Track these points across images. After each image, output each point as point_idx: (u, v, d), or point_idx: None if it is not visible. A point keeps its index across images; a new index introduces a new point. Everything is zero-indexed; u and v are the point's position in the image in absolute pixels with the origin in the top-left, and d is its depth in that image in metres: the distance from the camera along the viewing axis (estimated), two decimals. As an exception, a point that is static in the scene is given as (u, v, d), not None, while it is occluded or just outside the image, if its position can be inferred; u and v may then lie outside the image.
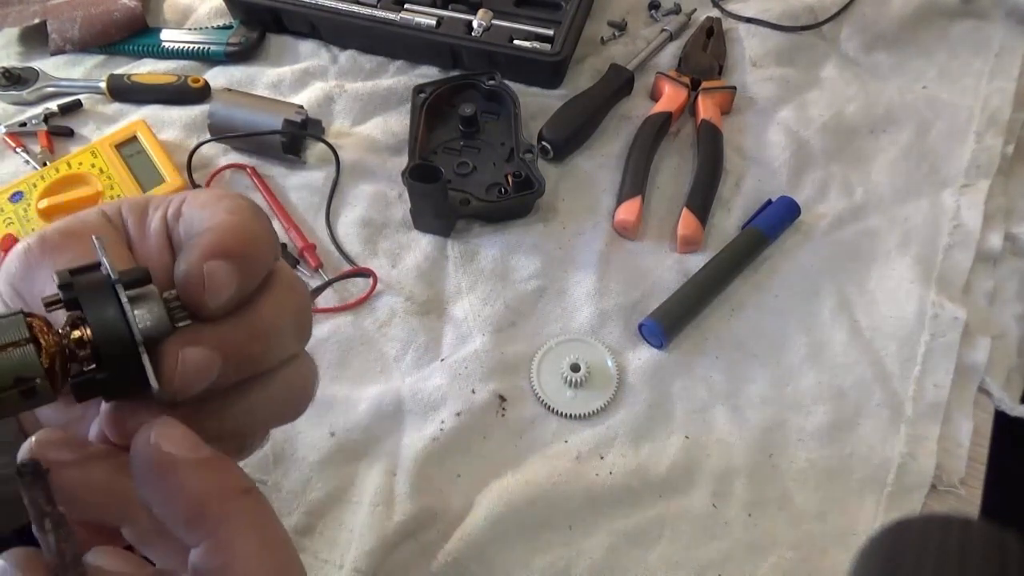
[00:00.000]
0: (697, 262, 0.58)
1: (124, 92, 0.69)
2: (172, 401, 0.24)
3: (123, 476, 0.23)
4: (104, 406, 0.24)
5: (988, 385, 0.53)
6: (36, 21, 0.72)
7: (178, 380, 0.23)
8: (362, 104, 0.68)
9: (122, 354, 0.22)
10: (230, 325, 0.25)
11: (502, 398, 0.52)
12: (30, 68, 0.70)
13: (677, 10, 0.74)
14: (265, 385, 0.27)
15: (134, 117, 0.67)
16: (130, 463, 0.22)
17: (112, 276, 0.23)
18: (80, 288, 0.23)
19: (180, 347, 0.23)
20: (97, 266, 0.23)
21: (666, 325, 0.54)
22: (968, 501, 0.49)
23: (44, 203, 0.59)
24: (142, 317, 0.23)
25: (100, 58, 0.73)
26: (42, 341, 0.21)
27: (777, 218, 0.59)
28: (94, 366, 0.23)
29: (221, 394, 0.26)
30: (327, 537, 0.47)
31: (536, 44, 0.67)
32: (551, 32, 0.68)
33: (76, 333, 0.22)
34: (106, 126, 0.68)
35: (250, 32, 0.72)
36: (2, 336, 0.21)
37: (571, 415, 0.51)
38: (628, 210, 0.59)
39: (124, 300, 0.23)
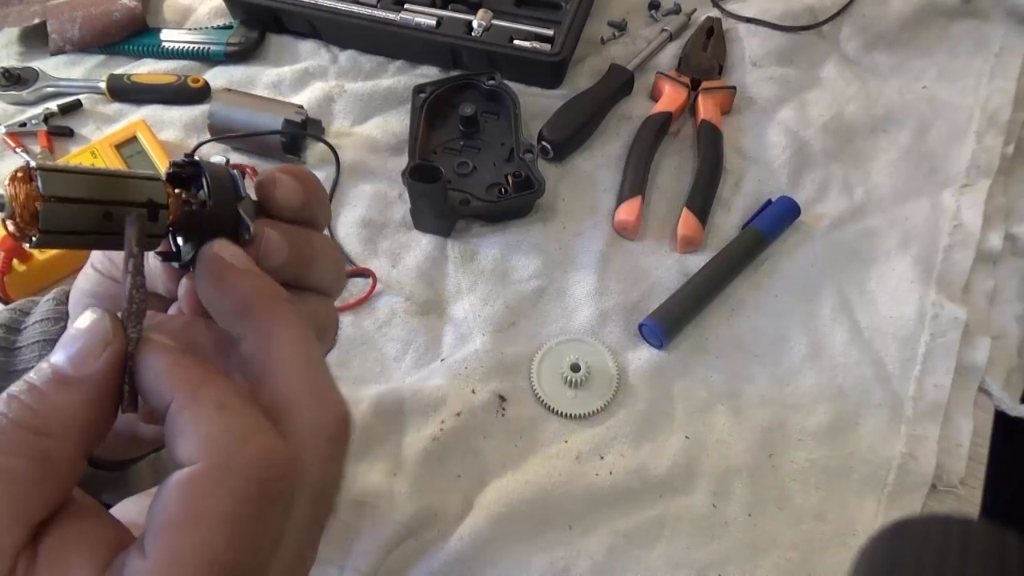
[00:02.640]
0: (697, 262, 0.58)
1: (124, 92, 0.69)
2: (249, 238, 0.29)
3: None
4: (187, 284, 0.29)
5: (988, 385, 0.53)
6: (36, 21, 0.72)
7: (259, 247, 0.29)
8: (362, 104, 0.68)
9: (227, 204, 0.28)
10: (293, 229, 0.30)
11: (502, 398, 0.52)
12: (30, 68, 0.70)
13: (677, 10, 0.74)
14: (305, 299, 0.31)
15: (134, 117, 0.67)
16: (196, 271, 0.27)
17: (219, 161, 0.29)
18: (197, 164, 0.28)
19: (263, 223, 0.29)
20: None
21: (666, 325, 0.54)
22: (968, 501, 0.49)
23: (44, 203, 0.59)
24: (241, 185, 0.29)
25: (100, 58, 0.73)
26: (168, 191, 0.27)
27: (777, 218, 0.59)
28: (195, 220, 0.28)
29: None
30: (327, 537, 0.47)
31: (536, 44, 0.67)
32: (551, 32, 0.68)
33: (186, 197, 0.27)
34: (106, 126, 0.68)
35: (250, 32, 0.72)
36: (145, 175, 0.26)
37: (571, 415, 0.51)
38: (628, 210, 0.59)
39: (235, 172, 0.29)
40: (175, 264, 0.28)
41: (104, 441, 0.25)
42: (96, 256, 0.32)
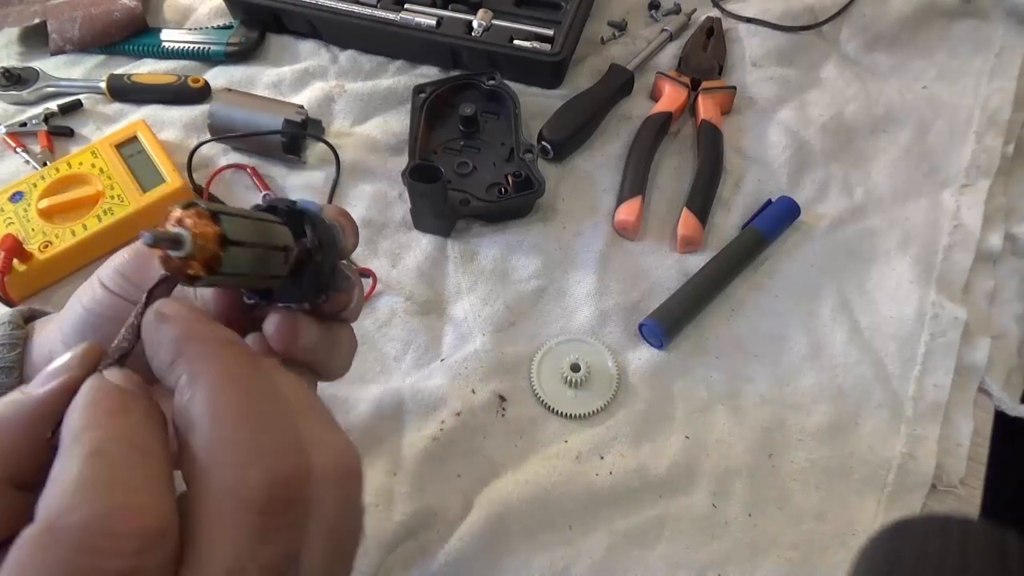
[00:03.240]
0: (697, 262, 0.58)
1: (124, 92, 0.69)
2: (326, 312, 0.30)
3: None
4: (274, 320, 0.28)
5: (988, 385, 0.53)
6: (36, 21, 0.72)
7: (347, 297, 0.30)
8: (362, 104, 0.68)
9: (331, 254, 0.29)
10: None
11: (502, 398, 0.52)
12: (30, 68, 0.70)
13: (677, 10, 0.74)
14: (344, 330, 0.32)
15: (134, 117, 0.67)
16: (143, 330, 0.24)
17: (319, 211, 0.30)
18: (300, 215, 0.29)
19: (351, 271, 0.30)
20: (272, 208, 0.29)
21: (666, 325, 0.54)
22: (968, 501, 0.49)
23: (44, 203, 0.59)
24: (339, 235, 0.30)
25: (100, 58, 0.73)
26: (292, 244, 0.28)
27: (777, 218, 0.59)
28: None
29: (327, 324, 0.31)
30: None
31: (536, 44, 0.67)
32: (551, 32, 0.68)
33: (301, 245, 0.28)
34: (106, 126, 0.68)
35: (250, 32, 0.72)
36: (275, 220, 0.27)
37: (571, 415, 0.51)
38: (628, 210, 0.59)
39: (336, 227, 0.30)
40: (251, 301, 0.29)
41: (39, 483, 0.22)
42: (107, 275, 0.30)
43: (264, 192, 0.30)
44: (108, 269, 0.30)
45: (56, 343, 0.31)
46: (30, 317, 0.36)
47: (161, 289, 0.25)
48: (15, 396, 0.22)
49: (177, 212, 0.23)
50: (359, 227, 0.60)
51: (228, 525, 0.20)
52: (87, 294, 0.31)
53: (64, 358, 0.23)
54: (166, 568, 0.20)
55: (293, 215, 0.29)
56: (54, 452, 0.21)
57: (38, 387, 0.22)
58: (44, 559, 0.18)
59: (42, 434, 0.22)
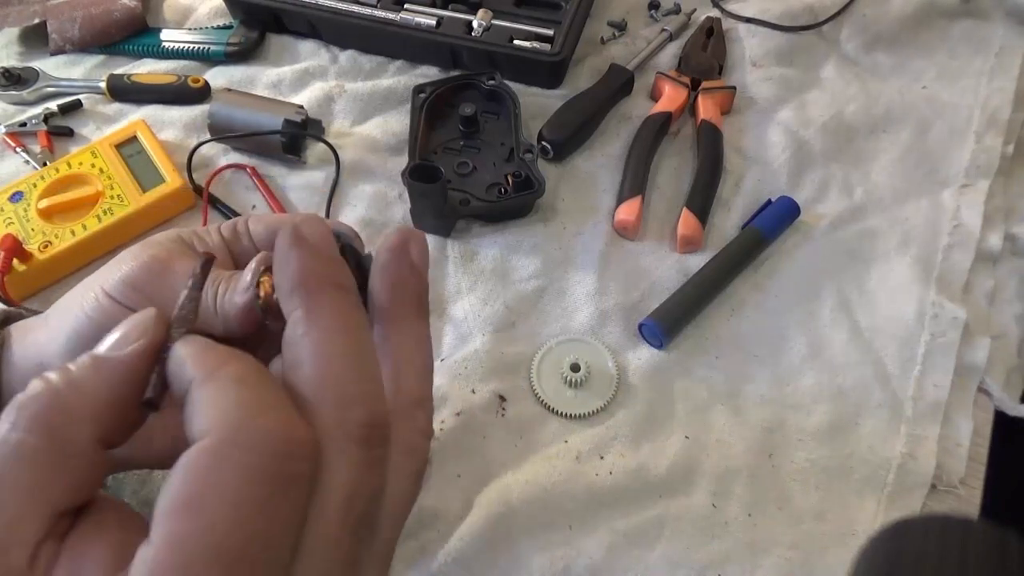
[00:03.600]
0: (697, 262, 0.58)
1: (124, 92, 0.69)
2: None
3: None
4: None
5: (988, 385, 0.53)
6: (36, 21, 0.72)
7: None
8: (362, 104, 0.68)
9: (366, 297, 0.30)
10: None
11: (502, 398, 0.52)
12: (30, 68, 0.70)
13: (677, 10, 0.74)
14: None
15: (134, 117, 0.67)
16: (278, 237, 0.26)
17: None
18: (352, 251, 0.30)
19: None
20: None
21: (666, 325, 0.54)
22: (968, 501, 0.49)
23: (44, 203, 0.59)
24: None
25: (100, 58, 0.73)
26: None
27: (777, 218, 0.59)
28: None
29: None
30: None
31: (536, 44, 0.67)
32: (551, 32, 0.68)
33: None
34: (106, 126, 0.68)
35: (250, 32, 0.72)
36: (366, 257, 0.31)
37: (571, 415, 0.51)
38: (628, 210, 0.59)
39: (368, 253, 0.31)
40: None
41: (125, 442, 0.24)
42: (113, 285, 0.31)
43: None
44: (113, 280, 0.31)
45: (49, 351, 0.31)
46: (5, 320, 0.35)
47: (207, 268, 0.27)
48: (94, 361, 0.24)
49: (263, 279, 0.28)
50: (359, 227, 0.61)
51: (343, 457, 0.23)
52: (89, 303, 0.31)
53: (134, 321, 0.25)
54: (309, 481, 0.22)
55: (345, 249, 0.30)
56: (143, 412, 0.24)
57: (117, 350, 0.24)
58: (233, 468, 0.20)
59: (129, 395, 0.24)
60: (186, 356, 0.23)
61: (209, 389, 0.22)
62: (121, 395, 0.23)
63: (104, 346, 0.24)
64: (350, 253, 0.30)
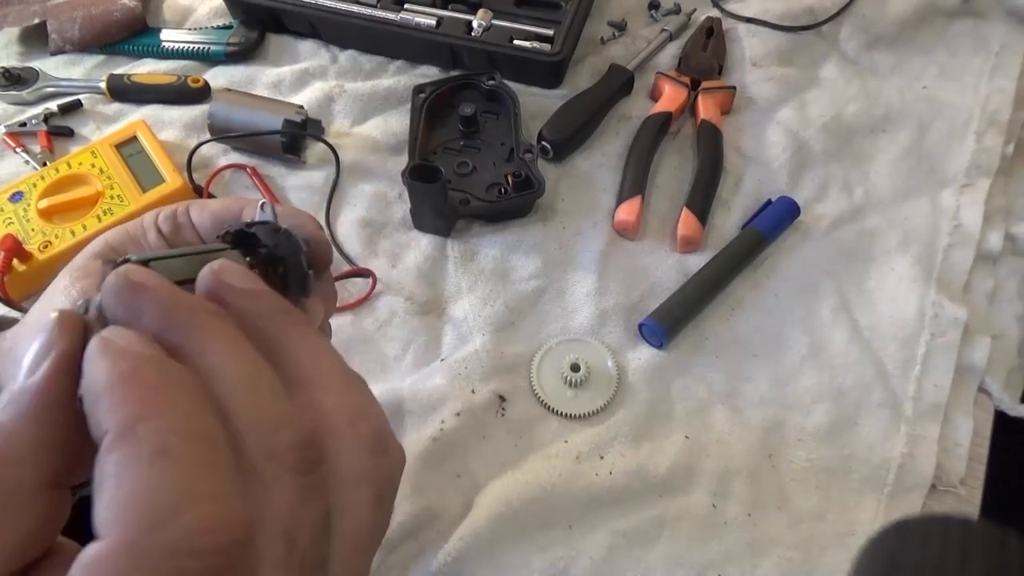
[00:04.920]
0: (697, 262, 0.58)
1: (124, 92, 0.69)
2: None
3: None
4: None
5: (988, 385, 0.53)
6: (36, 21, 0.72)
7: (315, 320, 0.31)
8: (362, 104, 0.68)
9: (297, 288, 0.30)
10: (324, 282, 0.34)
11: (502, 398, 0.52)
12: (30, 68, 0.70)
13: (677, 10, 0.74)
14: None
15: (134, 117, 0.67)
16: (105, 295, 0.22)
17: (292, 231, 0.30)
18: (267, 234, 0.29)
19: (316, 296, 0.31)
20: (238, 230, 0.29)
21: (666, 325, 0.54)
22: (968, 501, 0.49)
23: (44, 203, 0.59)
24: (306, 262, 0.30)
25: (100, 58, 0.73)
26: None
27: (777, 218, 0.59)
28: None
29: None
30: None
31: (536, 44, 0.67)
32: (551, 32, 0.68)
33: (257, 270, 0.28)
34: (106, 126, 0.68)
35: (250, 32, 0.72)
36: (219, 248, 0.28)
37: (571, 415, 0.51)
38: (628, 210, 0.59)
39: (301, 242, 0.30)
40: None
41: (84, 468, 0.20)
42: (64, 300, 0.29)
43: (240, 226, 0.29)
44: (67, 294, 0.30)
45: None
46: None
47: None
48: (10, 396, 0.20)
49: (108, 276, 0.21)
50: (359, 227, 0.61)
51: (278, 489, 0.20)
52: (69, 300, 0.30)
53: (40, 336, 0.20)
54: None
55: (243, 236, 0.29)
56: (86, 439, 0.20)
57: (30, 375, 0.20)
58: None
59: (64, 421, 0.20)
60: (105, 384, 0.19)
61: (118, 461, 0.17)
62: (48, 427, 0.19)
63: (20, 371, 0.20)
64: (262, 236, 0.29)
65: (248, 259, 0.28)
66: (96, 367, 0.19)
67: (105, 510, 0.17)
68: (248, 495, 0.20)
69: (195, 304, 0.22)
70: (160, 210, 0.34)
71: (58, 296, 0.30)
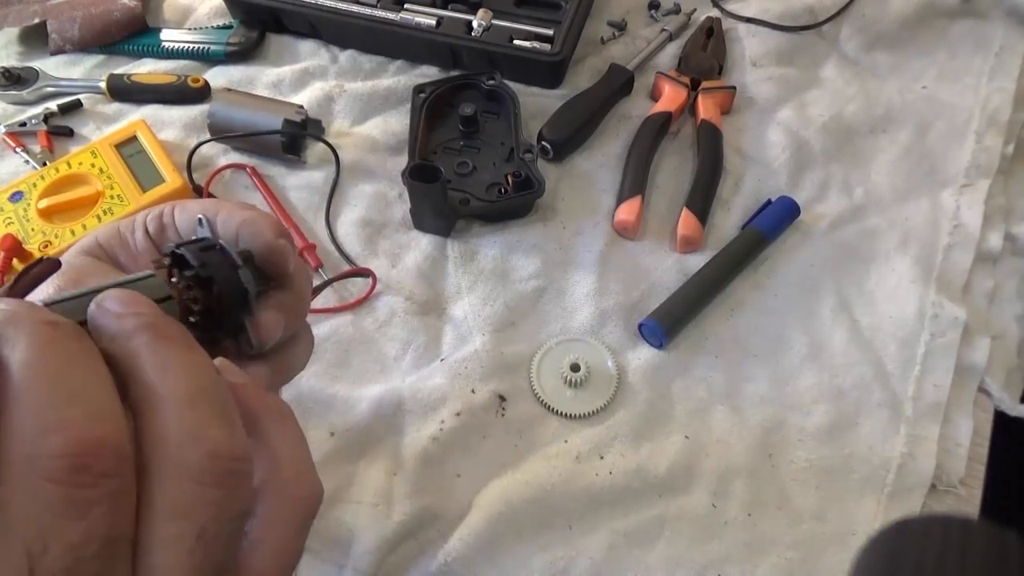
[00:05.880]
0: (697, 262, 0.58)
1: (124, 92, 0.69)
2: (254, 352, 0.31)
3: None
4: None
5: (988, 385, 0.53)
6: (36, 21, 0.72)
7: (266, 336, 0.30)
8: (362, 104, 0.68)
9: (234, 307, 0.29)
10: (286, 291, 0.32)
11: (502, 398, 0.52)
12: (30, 68, 0.70)
13: (677, 10, 0.74)
14: (297, 341, 0.34)
15: (134, 117, 0.67)
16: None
17: (227, 247, 0.29)
18: (195, 253, 0.28)
19: (269, 310, 0.31)
20: (191, 243, 0.29)
21: (666, 325, 0.54)
22: (968, 501, 0.49)
23: (44, 203, 0.59)
24: (246, 278, 0.29)
25: (100, 58, 0.73)
26: (173, 293, 0.27)
27: (777, 218, 0.59)
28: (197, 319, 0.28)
29: (274, 349, 0.32)
30: (327, 537, 0.47)
31: (536, 44, 0.67)
32: (551, 32, 0.68)
33: (191, 292, 0.27)
34: (106, 126, 0.68)
35: (250, 32, 0.72)
36: (136, 278, 0.26)
37: (571, 415, 0.51)
38: (628, 210, 0.59)
39: (240, 263, 0.29)
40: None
41: None
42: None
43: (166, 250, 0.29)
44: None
45: None
46: None
47: (26, 281, 0.26)
48: None
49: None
50: (359, 227, 0.61)
51: (27, 497, 0.19)
52: (52, 288, 0.31)
53: None
54: None
55: (175, 257, 0.28)
56: None
57: None
58: None
59: None
60: None
61: None
62: None
63: None
64: (190, 255, 0.28)
65: (175, 280, 0.27)
66: None
67: None
68: None
69: (29, 314, 0.21)
70: (152, 209, 0.35)
71: (47, 287, 0.30)
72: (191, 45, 0.72)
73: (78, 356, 0.21)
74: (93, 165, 0.61)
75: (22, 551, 0.18)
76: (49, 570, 0.18)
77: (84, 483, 0.19)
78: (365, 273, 0.57)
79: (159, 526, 0.20)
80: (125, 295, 0.23)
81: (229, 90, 0.66)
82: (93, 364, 0.21)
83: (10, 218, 0.59)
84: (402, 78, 0.69)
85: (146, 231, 0.34)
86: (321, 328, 0.55)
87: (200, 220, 0.31)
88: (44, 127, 0.66)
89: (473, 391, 0.52)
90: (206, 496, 0.21)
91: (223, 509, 0.21)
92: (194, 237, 0.30)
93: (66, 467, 0.19)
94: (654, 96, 0.69)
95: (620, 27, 0.73)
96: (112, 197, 0.60)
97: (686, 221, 0.59)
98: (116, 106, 0.69)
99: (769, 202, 0.60)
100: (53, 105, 0.68)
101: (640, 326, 0.55)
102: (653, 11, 0.74)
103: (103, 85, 0.69)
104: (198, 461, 0.21)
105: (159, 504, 0.21)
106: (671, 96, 0.66)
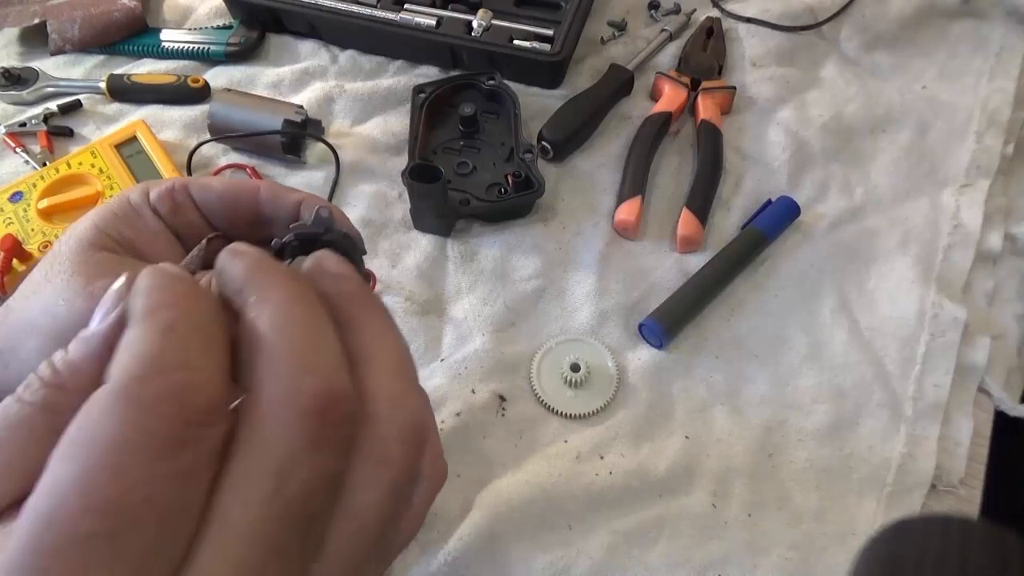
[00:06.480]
0: (697, 262, 0.58)
1: (124, 92, 0.69)
2: None
3: None
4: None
5: (988, 385, 0.53)
6: (36, 21, 0.72)
7: None
8: (362, 104, 0.68)
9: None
10: None
11: (502, 398, 0.52)
12: (30, 68, 0.70)
13: (677, 10, 0.74)
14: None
15: (134, 117, 0.67)
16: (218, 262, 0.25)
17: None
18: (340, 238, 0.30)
19: None
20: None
21: (666, 325, 0.54)
22: (968, 501, 0.49)
23: (44, 203, 0.59)
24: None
25: (100, 58, 0.73)
26: None
27: (777, 218, 0.59)
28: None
29: None
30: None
31: (536, 44, 0.67)
32: (551, 32, 0.68)
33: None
34: (106, 126, 0.68)
35: (250, 32, 0.72)
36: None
37: (571, 415, 0.51)
38: (628, 210, 0.59)
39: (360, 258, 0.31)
40: None
41: None
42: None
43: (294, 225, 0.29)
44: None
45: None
46: None
47: (216, 243, 0.27)
48: (80, 342, 0.23)
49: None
50: (359, 227, 0.61)
51: (282, 426, 0.21)
52: (87, 297, 0.30)
53: (111, 290, 0.23)
54: (213, 451, 0.21)
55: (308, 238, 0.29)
56: None
57: (98, 325, 0.23)
58: (118, 418, 0.19)
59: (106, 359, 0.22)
60: (142, 289, 0.22)
61: (134, 330, 0.21)
62: (104, 362, 0.22)
63: (93, 319, 0.23)
64: (339, 241, 0.29)
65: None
66: (142, 281, 0.23)
67: (113, 363, 0.21)
68: (244, 412, 0.22)
69: (275, 267, 0.24)
70: (147, 189, 0.32)
71: (67, 292, 0.28)
72: (191, 45, 0.72)
73: (319, 310, 0.24)
74: (93, 165, 0.61)
75: (274, 470, 0.21)
76: (292, 491, 0.21)
77: (328, 422, 0.22)
78: (365, 273, 0.57)
79: (365, 472, 0.23)
80: (339, 261, 0.26)
81: (229, 90, 0.66)
82: (327, 320, 0.24)
83: (10, 218, 0.59)
84: (402, 78, 0.69)
85: (154, 211, 0.32)
86: (321, 328, 0.55)
87: (319, 210, 0.30)
88: (44, 127, 0.66)
89: (473, 391, 0.52)
90: (406, 455, 0.24)
91: (412, 469, 0.24)
92: (300, 225, 0.30)
93: (318, 407, 0.21)
94: (654, 96, 0.69)
95: (620, 27, 0.73)
96: (112, 197, 0.60)
97: (686, 221, 0.59)
98: (116, 106, 0.69)
99: (769, 202, 0.60)
100: (53, 105, 0.68)
101: (640, 326, 0.55)
102: (653, 11, 0.74)
103: (103, 85, 0.69)
104: (404, 424, 0.24)
105: (368, 453, 0.23)
106: (671, 96, 0.66)
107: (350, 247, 0.30)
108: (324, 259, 0.26)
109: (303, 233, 0.29)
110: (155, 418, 0.20)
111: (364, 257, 0.36)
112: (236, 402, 0.22)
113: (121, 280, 0.23)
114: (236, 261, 0.24)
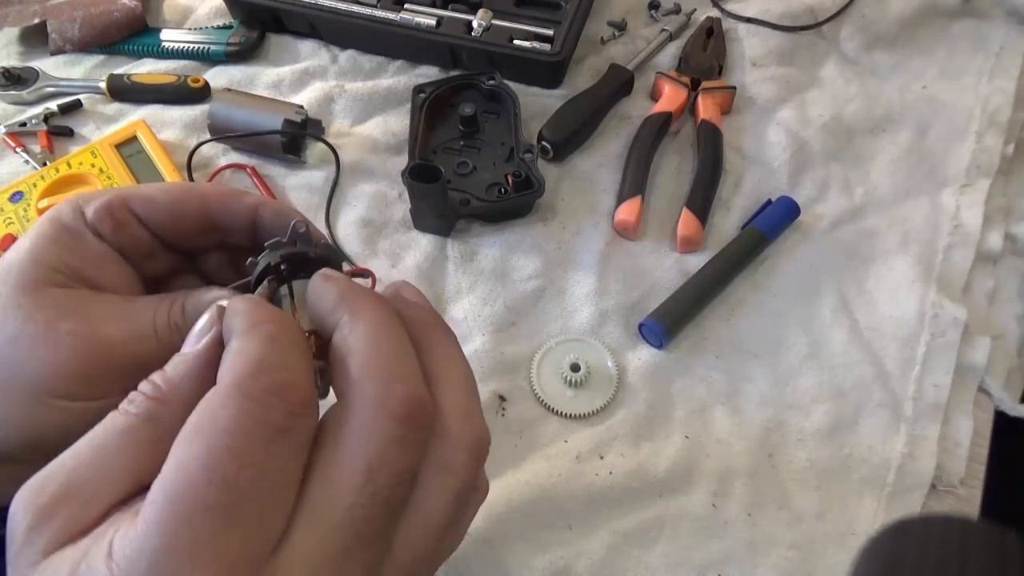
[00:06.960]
0: (697, 262, 0.58)
1: (124, 92, 0.69)
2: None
3: None
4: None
5: (988, 385, 0.53)
6: (36, 21, 0.72)
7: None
8: (362, 104, 0.68)
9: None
10: None
11: (502, 398, 0.52)
12: (30, 68, 0.70)
13: (677, 10, 0.74)
14: None
15: (134, 117, 0.67)
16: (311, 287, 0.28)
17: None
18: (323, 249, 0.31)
19: None
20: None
21: (666, 325, 0.54)
22: (968, 501, 0.49)
23: (44, 203, 0.59)
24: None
25: (100, 58, 0.73)
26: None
27: (777, 218, 0.59)
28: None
29: None
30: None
31: (536, 44, 0.67)
32: (551, 32, 0.68)
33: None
34: (106, 126, 0.68)
35: (250, 32, 0.72)
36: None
37: (571, 415, 0.51)
38: (628, 210, 0.59)
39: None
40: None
41: None
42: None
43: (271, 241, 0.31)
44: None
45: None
46: None
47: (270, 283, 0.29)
48: (181, 353, 0.26)
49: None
50: (358, 227, 0.61)
51: (374, 425, 0.24)
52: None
53: (204, 318, 0.27)
54: (307, 440, 0.24)
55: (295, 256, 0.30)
56: None
57: (193, 346, 0.26)
58: (234, 408, 0.23)
59: (205, 379, 0.26)
60: (238, 310, 0.25)
61: (239, 341, 0.24)
62: (201, 384, 0.25)
63: (187, 342, 0.26)
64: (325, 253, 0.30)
65: (282, 266, 0.29)
66: (236, 305, 0.26)
67: (222, 368, 0.24)
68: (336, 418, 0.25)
69: (365, 291, 0.28)
70: (79, 207, 0.31)
71: (24, 338, 0.28)
72: (191, 45, 0.72)
73: (403, 330, 0.27)
74: (93, 165, 0.61)
75: (366, 463, 0.24)
76: (379, 483, 0.24)
77: (413, 426, 0.25)
78: (365, 273, 0.57)
79: (435, 478, 0.26)
80: (415, 291, 0.31)
81: (229, 90, 0.66)
82: (408, 340, 0.27)
83: (10, 218, 0.59)
84: (402, 78, 0.69)
85: (95, 231, 0.31)
86: (321, 328, 0.55)
87: (295, 224, 0.31)
88: (44, 127, 0.66)
89: (473, 391, 0.52)
90: (470, 467, 0.27)
91: (474, 479, 0.27)
92: (278, 243, 0.30)
93: (405, 411, 0.24)
94: (654, 96, 0.69)
95: (620, 27, 0.73)
96: (112, 197, 0.60)
97: (686, 221, 0.59)
98: (116, 106, 0.69)
99: (769, 202, 0.60)
100: (53, 105, 0.68)
101: (640, 326, 0.55)
102: (653, 11, 0.74)
103: (103, 85, 0.69)
104: (471, 438, 0.27)
105: (438, 461, 0.26)
106: (671, 96, 0.66)
107: (334, 258, 0.31)
108: (403, 288, 0.30)
109: (290, 254, 0.29)
110: (265, 407, 0.23)
111: (363, 258, 0.36)
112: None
113: (210, 313, 0.27)
114: (329, 285, 0.28)
